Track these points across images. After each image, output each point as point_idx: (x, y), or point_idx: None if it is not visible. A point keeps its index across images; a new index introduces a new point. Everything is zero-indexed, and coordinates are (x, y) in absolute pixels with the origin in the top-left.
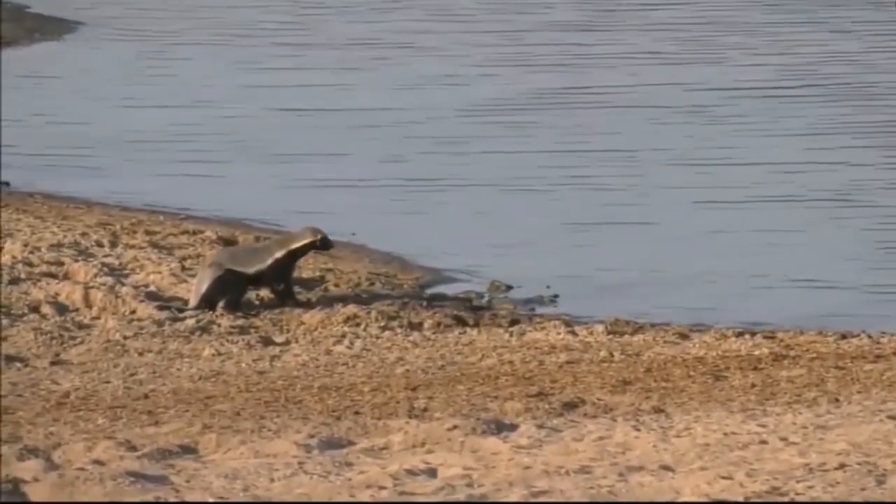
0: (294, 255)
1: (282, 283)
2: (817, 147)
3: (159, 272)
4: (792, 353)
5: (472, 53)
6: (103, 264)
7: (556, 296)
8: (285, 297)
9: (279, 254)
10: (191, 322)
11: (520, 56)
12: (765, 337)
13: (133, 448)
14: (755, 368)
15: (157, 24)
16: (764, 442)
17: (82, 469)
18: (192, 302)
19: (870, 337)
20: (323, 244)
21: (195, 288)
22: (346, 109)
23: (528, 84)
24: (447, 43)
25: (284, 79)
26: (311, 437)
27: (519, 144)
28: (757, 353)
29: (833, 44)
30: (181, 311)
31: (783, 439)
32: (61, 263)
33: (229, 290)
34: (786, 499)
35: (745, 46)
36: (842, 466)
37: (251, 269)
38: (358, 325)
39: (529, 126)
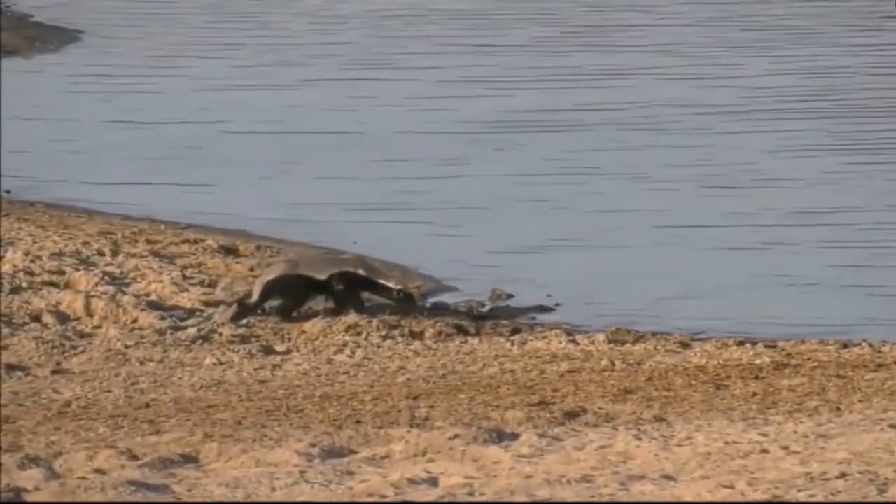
0: (370, 283)
1: (341, 286)
2: (810, 162)
3: (160, 281)
4: (793, 361)
5: (478, 70)
6: (104, 273)
7: (557, 304)
8: (343, 303)
9: (356, 268)
10: (192, 331)
11: (507, 74)
12: (766, 346)
13: (134, 457)
14: (756, 377)
15: (159, 34)
16: (765, 451)
17: (83, 478)
18: (255, 293)
19: (871, 346)
20: (399, 296)
21: (261, 278)
22: (340, 124)
23: (516, 102)
24: (437, 62)
25: (282, 94)
26: (313, 445)
27: (516, 159)
28: (758, 362)
29: (820, 59)
30: (245, 307)
31: (784, 448)
32: (62, 272)
33: (290, 292)
34: None
35: (731, 63)
36: (843, 475)
37: (322, 275)
38: (359, 334)
39: (522, 143)
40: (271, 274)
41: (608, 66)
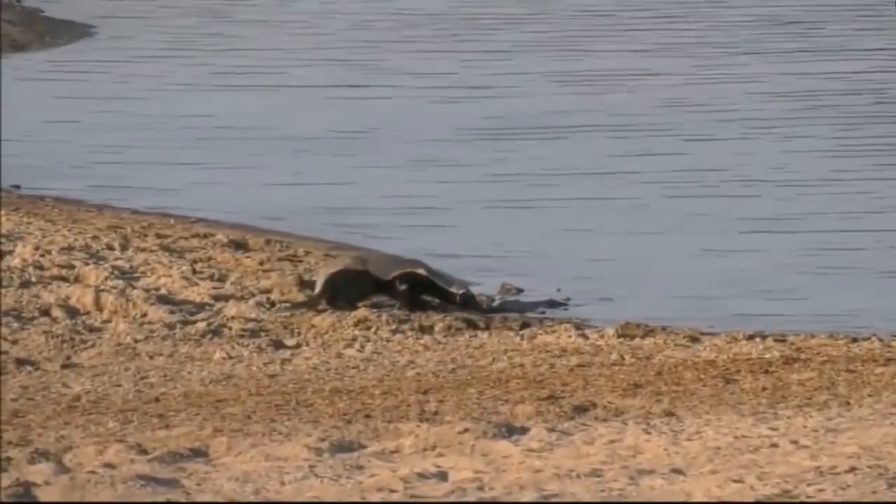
0: (432, 286)
1: (404, 286)
2: (815, 164)
3: (170, 275)
4: (803, 356)
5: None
6: (114, 267)
7: (568, 299)
8: (407, 304)
9: (419, 269)
10: (201, 325)
11: (505, 77)
12: (775, 340)
13: (144, 451)
14: (766, 372)
15: (167, 31)
16: (775, 445)
17: (93, 472)
18: (318, 285)
19: (881, 340)
20: (462, 300)
21: (323, 270)
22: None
23: (517, 104)
24: (434, 63)
25: (271, 95)
26: (322, 440)
27: (518, 160)
28: (768, 356)
29: (822, 62)
30: (310, 300)
31: (794, 442)
32: (72, 266)
33: (350, 287)
34: (797, 502)
35: (731, 64)
36: (853, 470)
37: (388, 276)
38: (369, 328)
39: (523, 144)
40: (334, 267)
41: (607, 69)
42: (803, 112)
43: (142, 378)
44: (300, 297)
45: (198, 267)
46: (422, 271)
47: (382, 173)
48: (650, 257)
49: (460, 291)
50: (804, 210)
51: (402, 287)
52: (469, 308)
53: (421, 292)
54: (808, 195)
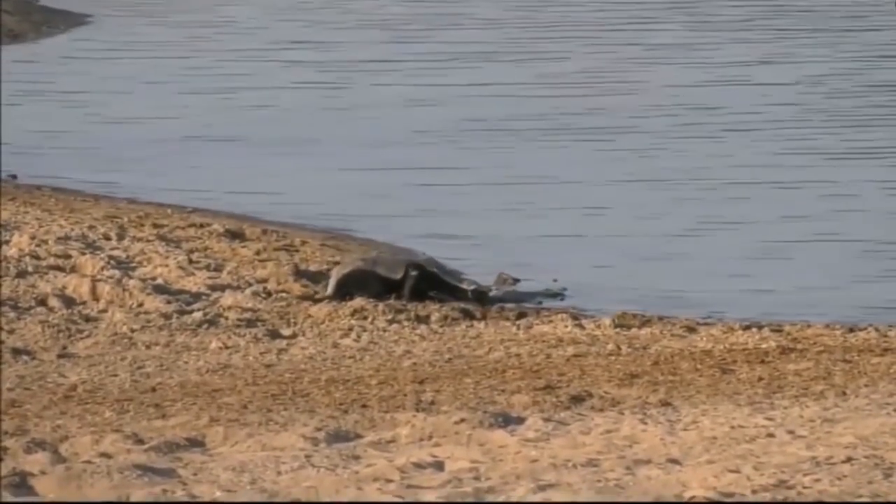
0: (441, 282)
1: (415, 273)
2: (809, 164)
3: (167, 265)
4: (799, 346)
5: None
6: (111, 257)
7: (564, 289)
8: (413, 293)
9: (432, 269)
10: (198, 315)
11: (500, 78)
12: (772, 330)
13: (140, 441)
14: (762, 362)
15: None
16: (771, 435)
17: (89, 462)
18: (330, 286)
19: (877, 330)
20: (473, 296)
21: (336, 271)
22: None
23: (519, 104)
24: (422, 63)
25: (283, 90)
26: (319, 430)
27: (512, 157)
28: (764, 346)
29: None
30: (318, 295)
31: (790, 432)
32: (69, 256)
33: (364, 287)
34: (793, 492)
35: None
36: (849, 460)
37: (397, 274)
38: (365, 318)
39: (517, 142)
40: (346, 268)
41: (605, 69)
42: (792, 113)
43: (138, 368)
44: (299, 290)
45: (194, 257)
46: (434, 269)
47: (355, 174)
48: (651, 247)
49: (471, 287)
50: (798, 209)
51: (414, 273)
52: (481, 303)
53: (429, 287)
54: (796, 198)
